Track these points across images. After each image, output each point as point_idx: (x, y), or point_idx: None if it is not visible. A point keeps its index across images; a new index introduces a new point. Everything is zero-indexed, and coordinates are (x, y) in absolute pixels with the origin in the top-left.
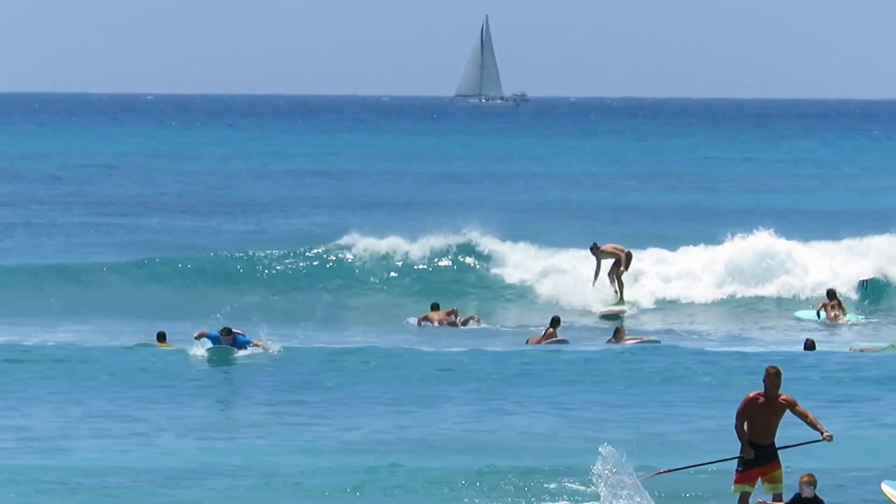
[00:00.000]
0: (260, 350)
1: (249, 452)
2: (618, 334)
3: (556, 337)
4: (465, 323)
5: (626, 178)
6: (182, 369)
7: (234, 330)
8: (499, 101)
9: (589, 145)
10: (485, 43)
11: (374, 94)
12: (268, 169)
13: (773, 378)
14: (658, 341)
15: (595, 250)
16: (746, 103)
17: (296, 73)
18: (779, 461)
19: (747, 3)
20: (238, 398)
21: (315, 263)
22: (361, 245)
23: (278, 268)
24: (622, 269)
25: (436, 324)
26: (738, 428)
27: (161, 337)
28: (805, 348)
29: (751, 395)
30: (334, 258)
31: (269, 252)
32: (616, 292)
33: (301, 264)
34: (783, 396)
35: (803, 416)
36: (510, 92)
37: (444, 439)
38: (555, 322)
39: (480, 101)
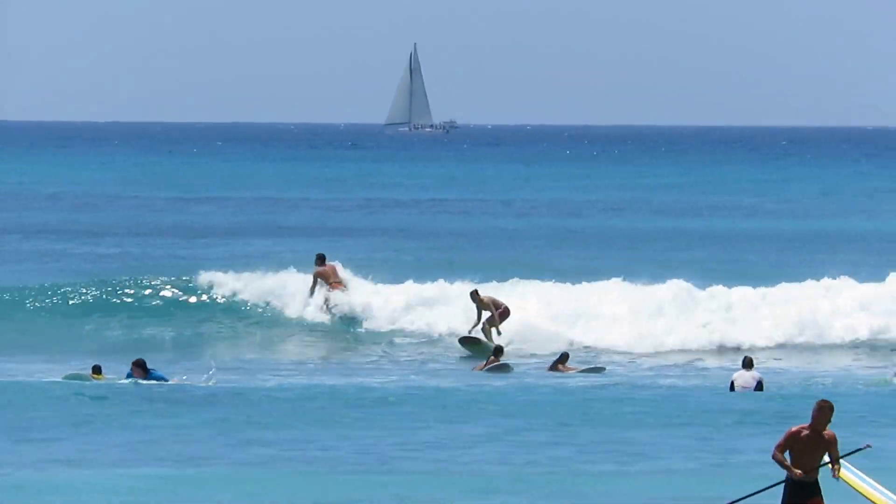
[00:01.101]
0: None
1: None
2: (562, 360)
3: (499, 362)
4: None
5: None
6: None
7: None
8: (428, 130)
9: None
10: (414, 71)
11: (301, 122)
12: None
13: (826, 412)
14: (603, 368)
15: (475, 297)
16: (704, 130)
17: (227, 101)
18: (821, 497)
19: (677, 24)
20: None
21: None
22: (214, 278)
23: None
24: (495, 326)
25: (328, 290)
26: (777, 457)
27: (96, 370)
28: (743, 366)
29: (793, 429)
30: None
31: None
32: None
33: (157, 294)
34: (828, 433)
35: (835, 460)
36: (439, 119)
37: (361, 473)
38: (497, 351)
39: (410, 128)
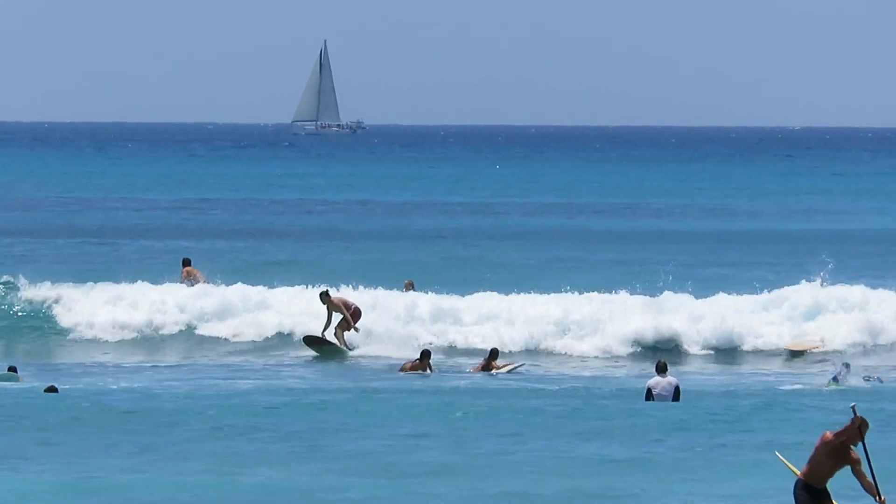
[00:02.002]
0: None
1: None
2: (492, 357)
3: (423, 370)
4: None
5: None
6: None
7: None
8: (335, 129)
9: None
10: (323, 68)
11: (207, 121)
12: None
13: (865, 427)
14: (523, 363)
15: (325, 298)
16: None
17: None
18: (832, 501)
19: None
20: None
21: None
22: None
23: None
24: (349, 327)
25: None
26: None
27: (12, 370)
28: (658, 371)
29: (828, 435)
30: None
31: None
32: (340, 343)
33: None
34: (854, 453)
35: (861, 477)
36: (347, 119)
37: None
38: (425, 355)
39: (317, 127)
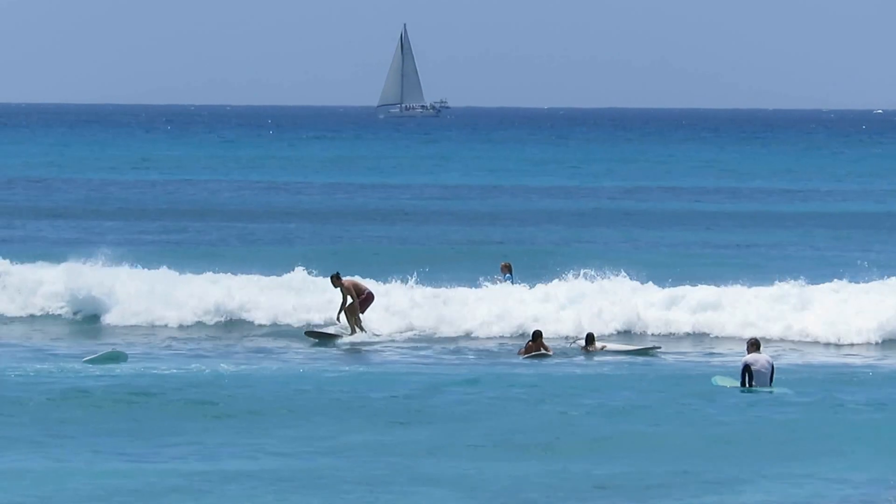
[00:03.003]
0: None
1: None
2: (590, 342)
3: (540, 350)
4: None
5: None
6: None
7: None
8: (419, 110)
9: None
10: (405, 51)
11: (296, 104)
12: None
13: None
14: (658, 347)
15: (336, 281)
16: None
17: (215, 83)
18: None
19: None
20: None
21: None
22: None
23: None
24: (358, 312)
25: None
26: None
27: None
28: (754, 349)
29: None
30: None
31: None
32: (354, 328)
33: None
34: None
35: None
36: (430, 100)
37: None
38: (536, 335)
39: (401, 109)
